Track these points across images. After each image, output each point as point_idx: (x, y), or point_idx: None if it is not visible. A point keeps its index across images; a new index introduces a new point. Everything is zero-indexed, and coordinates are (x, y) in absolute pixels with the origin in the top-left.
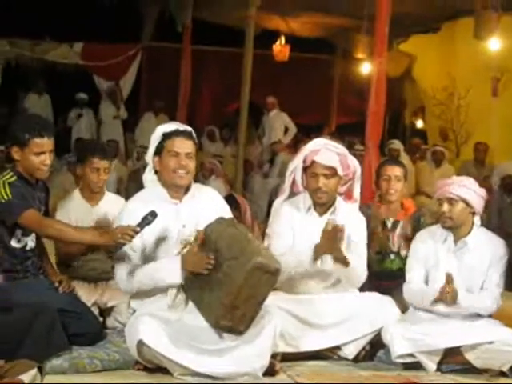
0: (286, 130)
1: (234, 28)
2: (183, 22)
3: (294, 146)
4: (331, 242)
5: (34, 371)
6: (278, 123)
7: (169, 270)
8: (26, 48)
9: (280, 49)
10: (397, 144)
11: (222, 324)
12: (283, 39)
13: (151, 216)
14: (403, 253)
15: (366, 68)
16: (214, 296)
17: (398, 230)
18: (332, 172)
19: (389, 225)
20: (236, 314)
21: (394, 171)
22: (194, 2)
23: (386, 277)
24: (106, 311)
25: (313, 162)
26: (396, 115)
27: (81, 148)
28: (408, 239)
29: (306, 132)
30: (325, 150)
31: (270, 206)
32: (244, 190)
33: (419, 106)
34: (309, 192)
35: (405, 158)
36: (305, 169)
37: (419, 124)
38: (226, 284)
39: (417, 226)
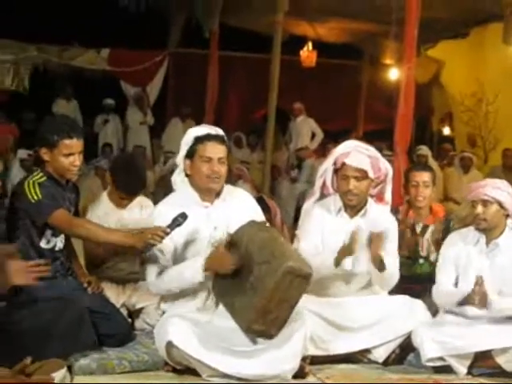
0: (313, 135)
1: (260, 34)
2: (210, 28)
3: (321, 152)
4: (355, 245)
5: (64, 371)
6: (305, 129)
7: (192, 268)
8: (54, 54)
9: (307, 54)
10: (425, 150)
11: (254, 328)
12: (310, 45)
13: (181, 218)
14: (432, 257)
15: (393, 74)
16: (245, 300)
17: (428, 235)
18: (363, 174)
19: (418, 229)
20: (268, 318)
21: (423, 177)
22: (221, 8)
23: (415, 280)
24: (134, 313)
25: (343, 164)
26: (423, 121)
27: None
28: (437, 244)
29: (333, 138)
30: (355, 153)
31: (297, 211)
32: (271, 195)
33: (447, 112)
34: (339, 194)
35: (433, 164)
36: (335, 171)
37: (446, 131)
38: (258, 288)
39: (446, 230)
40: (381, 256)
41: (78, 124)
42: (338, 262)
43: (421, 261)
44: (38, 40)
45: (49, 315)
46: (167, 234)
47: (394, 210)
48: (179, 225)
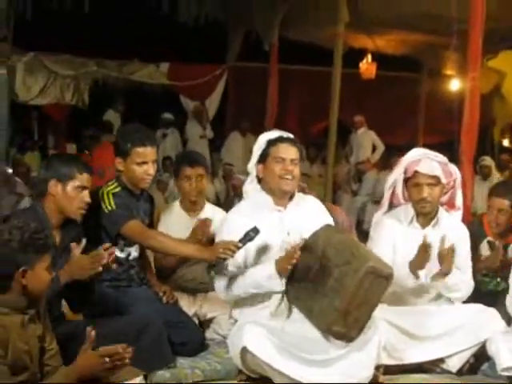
0: (374, 148)
1: (320, 46)
2: (270, 41)
3: (382, 165)
4: (425, 258)
5: (140, 378)
6: (366, 141)
7: (265, 275)
8: (113, 68)
9: (367, 67)
10: (488, 160)
11: (334, 330)
12: (370, 57)
13: (253, 232)
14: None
15: (454, 85)
16: (325, 302)
17: (509, 254)
18: (435, 181)
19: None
20: (349, 320)
21: (501, 204)
22: (280, 21)
23: (488, 296)
24: (205, 323)
25: (415, 172)
26: (484, 133)
27: (174, 162)
28: None
29: (394, 151)
30: (426, 160)
31: (358, 224)
32: None
33: (508, 122)
34: (412, 203)
35: (496, 175)
36: (406, 180)
37: (507, 142)
38: (339, 290)
39: None
40: (449, 270)
41: (152, 132)
42: (414, 275)
43: (498, 279)
44: (98, 55)
45: (128, 334)
46: (239, 248)
47: (471, 223)
48: (251, 239)
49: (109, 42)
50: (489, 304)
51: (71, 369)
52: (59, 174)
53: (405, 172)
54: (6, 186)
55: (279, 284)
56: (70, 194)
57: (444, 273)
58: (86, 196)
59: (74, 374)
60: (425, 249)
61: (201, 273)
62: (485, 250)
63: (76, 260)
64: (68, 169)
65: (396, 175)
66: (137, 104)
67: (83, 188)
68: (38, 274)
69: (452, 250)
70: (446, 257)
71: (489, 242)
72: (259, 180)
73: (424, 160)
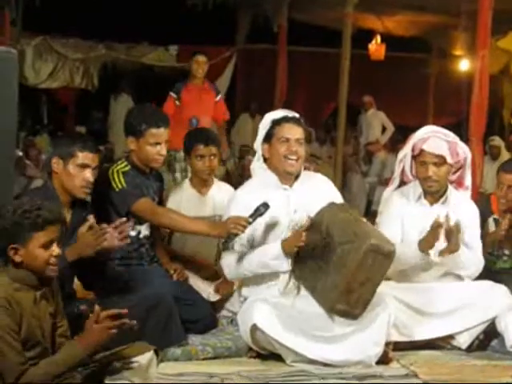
0: (384, 129)
1: (329, 28)
2: (278, 23)
3: (392, 146)
4: (436, 237)
5: (151, 353)
6: (376, 122)
7: (272, 255)
8: (122, 52)
9: (376, 48)
10: (497, 141)
11: (337, 308)
12: (379, 38)
13: (263, 207)
14: None
15: (463, 65)
16: (328, 281)
17: None
18: (441, 160)
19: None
20: (351, 298)
21: (510, 180)
22: (289, 2)
23: (495, 275)
24: (217, 303)
25: (421, 150)
26: (494, 113)
27: (186, 139)
28: None
29: (403, 132)
30: (434, 138)
31: (368, 205)
32: (342, 189)
33: None
34: (419, 181)
35: (506, 155)
36: (414, 157)
37: None
38: (341, 268)
39: None
40: (458, 247)
41: (166, 113)
42: (424, 253)
43: (505, 258)
44: (107, 38)
45: (138, 313)
46: (249, 223)
47: (479, 200)
48: (261, 214)
49: (118, 25)
50: (499, 282)
51: (77, 341)
52: (61, 151)
53: (413, 149)
54: (17, 168)
55: (286, 264)
56: (71, 171)
57: (451, 250)
58: (87, 174)
59: (80, 345)
60: (436, 228)
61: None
62: (491, 228)
63: (81, 236)
64: (69, 147)
65: (405, 151)
66: (146, 87)
67: (85, 166)
68: (31, 252)
69: (458, 227)
70: (453, 234)
71: (495, 219)
72: (265, 159)
73: (432, 138)
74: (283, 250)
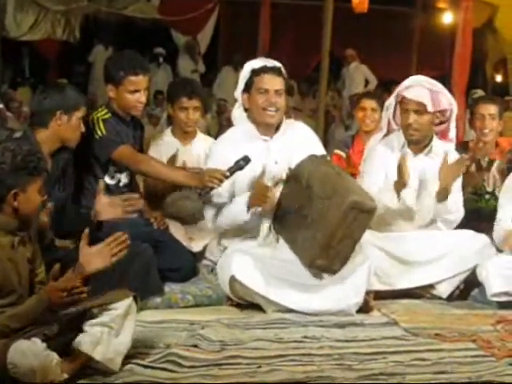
0: (367, 83)
1: None
2: None
3: None
4: (404, 175)
5: (130, 300)
6: (359, 76)
7: (240, 205)
8: (104, 3)
9: (359, 0)
10: (480, 93)
11: (317, 263)
12: None
13: (244, 161)
14: (498, 193)
15: (447, 18)
16: (308, 235)
17: (494, 170)
18: (422, 108)
19: (484, 164)
20: (331, 254)
21: (489, 109)
22: None
23: (481, 217)
24: (197, 254)
25: (403, 97)
26: (477, 67)
27: (170, 88)
28: (503, 176)
29: (385, 86)
30: (417, 87)
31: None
32: (325, 142)
33: (501, 57)
34: (402, 129)
35: None
36: (398, 106)
37: (499, 78)
38: (321, 223)
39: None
40: (450, 187)
41: (145, 60)
42: (397, 194)
43: (487, 196)
44: None
45: (118, 264)
46: (227, 177)
47: (463, 147)
48: (241, 168)
49: None
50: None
51: (42, 294)
52: (67, 104)
53: (397, 97)
54: None
55: (254, 219)
56: (74, 123)
57: (444, 188)
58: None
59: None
60: (403, 165)
61: (193, 201)
62: None
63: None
64: (75, 100)
65: (391, 100)
66: (128, 39)
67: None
68: (29, 197)
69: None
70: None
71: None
72: (246, 109)
73: (415, 87)
74: (248, 204)
